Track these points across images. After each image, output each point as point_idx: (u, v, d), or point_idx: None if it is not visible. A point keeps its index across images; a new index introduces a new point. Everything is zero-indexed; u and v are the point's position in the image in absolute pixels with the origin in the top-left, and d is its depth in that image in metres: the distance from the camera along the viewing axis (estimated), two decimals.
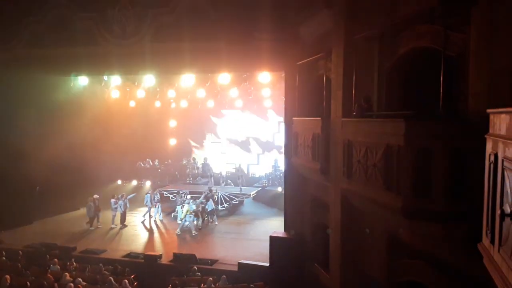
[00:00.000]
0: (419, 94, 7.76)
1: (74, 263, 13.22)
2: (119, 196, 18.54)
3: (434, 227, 6.56)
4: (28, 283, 11.43)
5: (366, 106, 8.20)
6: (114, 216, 18.21)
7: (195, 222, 17.29)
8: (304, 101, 12.21)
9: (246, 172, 22.45)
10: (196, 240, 16.56)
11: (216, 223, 18.25)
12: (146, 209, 19.18)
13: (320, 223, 11.62)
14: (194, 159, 24.18)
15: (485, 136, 4.71)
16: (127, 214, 18.58)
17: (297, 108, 12.11)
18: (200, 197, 18.70)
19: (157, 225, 18.56)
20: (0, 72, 16.22)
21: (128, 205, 18.66)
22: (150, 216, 19.05)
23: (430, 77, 7.33)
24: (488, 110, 4.64)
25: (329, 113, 9.88)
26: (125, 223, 18.35)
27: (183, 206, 17.90)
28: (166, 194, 20.55)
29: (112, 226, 18.01)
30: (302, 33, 11.85)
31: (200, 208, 17.80)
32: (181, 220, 17.45)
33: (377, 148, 6.97)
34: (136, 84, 19.26)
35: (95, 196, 18.45)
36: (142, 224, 18.60)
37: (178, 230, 17.15)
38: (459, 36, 6.13)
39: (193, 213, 17.26)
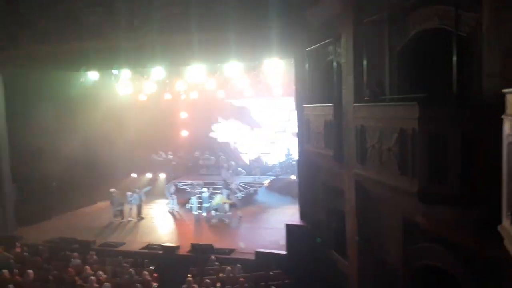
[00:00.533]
0: (432, 76, 7.63)
1: (94, 257, 13.44)
2: (135, 189, 18.76)
3: (449, 211, 6.49)
4: (51, 278, 11.67)
5: (378, 91, 8.11)
6: (130, 209, 18.42)
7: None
8: (315, 88, 12.13)
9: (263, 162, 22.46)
10: (213, 230, 16.71)
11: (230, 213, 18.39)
12: (165, 200, 19.46)
13: (335, 209, 11.61)
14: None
15: (502, 116, 4.61)
16: (143, 207, 18.79)
17: (308, 95, 12.03)
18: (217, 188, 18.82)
19: (173, 216, 18.73)
20: (13, 69, 16.40)
21: (143, 198, 18.86)
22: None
23: (442, 58, 7.20)
24: (504, 90, 4.54)
25: (341, 99, 9.80)
26: (141, 215, 18.57)
27: (211, 195, 18.21)
28: (180, 186, 20.69)
29: (129, 219, 18.24)
30: (309, 18, 11.70)
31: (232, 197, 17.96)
32: (215, 210, 17.62)
33: (391, 132, 6.89)
34: (145, 77, 19.29)
35: (112, 189, 18.68)
36: (159, 216, 18.80)
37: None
38: (471, 15, 5.98)
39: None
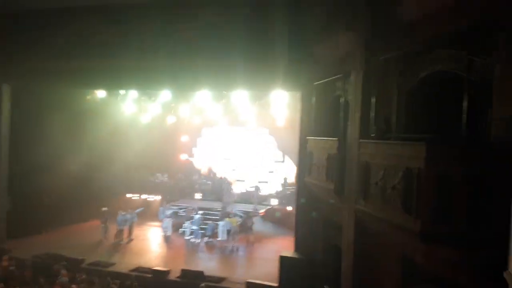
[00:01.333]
0: (440, 118, 7.73)
1: (83, 276, 13.15)
2: (128, 210, 18.58)
3: (453, 253, 6.45)
4: None
5: (385, 128, 8.18)
6: (121, 230, 18.17)
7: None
8: (320, 121, 12.24)
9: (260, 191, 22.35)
10: (204, 257, 16.46)
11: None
12: (159, 223, 19.30)
13: (332, 244, 11.50)
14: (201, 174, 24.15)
15: None
16: (134, 228, 18.55)
17: (312, 128, 12.12)
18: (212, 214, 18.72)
19: (166, 240, 18.46)
20: (21, 83, 16.50)
21: (136, 219, 18.65)
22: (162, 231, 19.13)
23: (451, 100, 7.33)
24: None
25: (346, 134, 9.88)
26: (131, 237, 18.30)
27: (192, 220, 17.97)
28: (175, 209, 20.50)
29: (119, 241, 17.96)
30: (320, 54, 11.93)
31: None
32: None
33: (396, 170, 6.92)
34: (152, 99, 19.43)
35: (104, 208, 18.48)
36: (151, 238, 18.55)
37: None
38: (484, 62, 6.13)
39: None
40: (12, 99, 16.77)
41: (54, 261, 14.27)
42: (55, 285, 12.31)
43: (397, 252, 8.10)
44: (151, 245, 17.78)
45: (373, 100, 8.66)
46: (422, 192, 6.33)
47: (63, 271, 13.10)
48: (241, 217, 18.99)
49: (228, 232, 17.39)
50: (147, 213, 20.35)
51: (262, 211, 20.51)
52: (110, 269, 14.40)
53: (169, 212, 19.23)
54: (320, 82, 11.69)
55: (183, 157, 24.26)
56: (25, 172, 17.08)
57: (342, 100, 10.28)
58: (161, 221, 19.33)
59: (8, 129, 16.70)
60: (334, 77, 10.90)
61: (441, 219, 6.19)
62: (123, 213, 18.33)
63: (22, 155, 17.11)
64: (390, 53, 8.32)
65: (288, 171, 22.84)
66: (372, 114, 8.70)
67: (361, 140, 8.69)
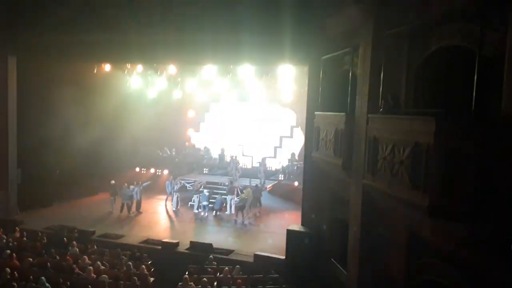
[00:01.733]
0: (449, 93, 7.66)
1: (94, 247, 13.44)
2: (135, 183, 18.82)
3: (459, 227, 6.52)
4: (49, 264, 11.67)
5: (393, 103, 8.12)
6: (125, 203, 18.45)
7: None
8: (327, 96, 12.16)
9: (267, 166, 22.45)
10: (212, 230, 16.72)
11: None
12: (165, 196, 19.54)
13: (338, 218, 11.62)
14: (207, 148, 24.23)
15: None
16: (141, 202, 18.82)
17: (320, 103, 12.06)
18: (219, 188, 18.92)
19: (174, 213, 18.73)
20: (28, 56, 16.48)
21: (142, 192, 18.90)
22: (166, 205, 19.37)
23: (462, 75, 7.24)
24: None
25: (354, 108, 9.83)
26: (140, 210, 18.58)
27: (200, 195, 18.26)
28: (183, 184, 20.73)
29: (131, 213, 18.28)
30: (328, 27, 11.76)
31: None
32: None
33: (405, 145, 6.92)
34: (158, 73, 19.37)
35: (112, 182, 18.72)
36: (159, 212, 18.82)
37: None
38: (496, 36, 6.02)
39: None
40: (19, 73, 16.76)
41: (65, 232, 14.57)
42: (67, 256, 12.60)
43: (404, 227, 8.17)
44: (159, 218, 18.08)
45: (381, 74, 8.56)
46: (431, 167, 6.33)
47: (74, 242, 13.40)
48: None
49: (242, 206, 17.52)
50: (155, 187, 20.56)
51: (269, 186, 20.66)
52: (120, 241, 14.70)
53: (176, 186, 19.41)
54: (328, 56, 11.55)
55: (190, 132, 24.30)
56: (34, 145, 17.26)
57: (350, 74, 10.18)
58: (169, 194, 19.54)
59: (16, 102, 16.76)
60: (342, 51, 10.76)
61: (448, 194, 6.22)
62: (130, 186, 18.54)
63: (30, 128, 17.30)
64: (399, 27, 8.18)
65: (296, 146, 22.89)
66: (381, 88, 8.62)
67: (369, 115, 8.64)
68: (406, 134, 6.99)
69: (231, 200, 18.58)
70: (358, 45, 9.70)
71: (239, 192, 18.63)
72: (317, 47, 12.36)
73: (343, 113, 10.08)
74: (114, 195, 18.60)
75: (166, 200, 19.63)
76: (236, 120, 24.57)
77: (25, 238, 14.12)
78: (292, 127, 23.44)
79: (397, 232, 8.50)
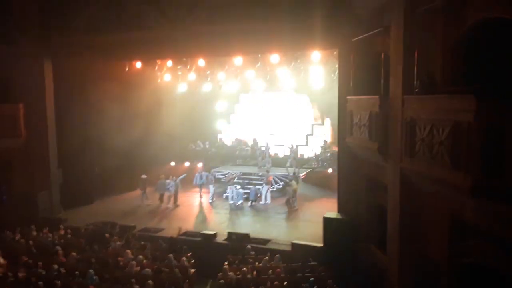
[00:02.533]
0: (488, 69, 7.35)
1: (138, 241, 13.75)
2: (170, 177, 19.17)
3: (504, 207, 6.28)
4: (93, 259, 12.04)
5: (430, 83, 7.88)
6: (162, 194, 18.88)
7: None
8: (359, 80, 11.93)
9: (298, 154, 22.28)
10: (248, 220, 16.81)
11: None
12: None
13: (376, 204, 11.43)
14: (255, 141, 24.23)
15: None
16: (178, 195, 19.13)
17: (352, 86, 11.84)
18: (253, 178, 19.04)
19: (210, 205, 18.94)
20: (62, 56, 16.93)
21: (180, 185, 19.22)
22: (201, 197, 19.64)
23: (501, 50, 6.94)
24: None
25: (387, 91, 9.59)
26: (177, 203, 18.91)
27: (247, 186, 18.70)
28: (217, 176, 20.93)
29: (168, 206, 18.63)
30: (357, 8, 11.49)
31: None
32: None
33: (444, 125, 6.72)
34: (188, 67, 19.52)
35: (143, 176, 19.17)
36: (195, 204, 19.06)
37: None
38: None
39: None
40: (55, 74, 17.23)
41: (107, 228, 14.98)
42: (109, 250, 12.97)
43: (445, 210, 7.95)
44: (196, 211, 18.28)
45: (415, 53, 8.31)
46: (472, 146, 6.14)
47: (116, 238, 13.77)
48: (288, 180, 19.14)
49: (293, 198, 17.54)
50: (191, 180, 20.79)
51: (302, 174, 20.54)
52: (160, 234, 14.98)
53: (211, 178, 19.58)
54: (359, 38, 11.29)
55: (220, 124, 24.43)
56: (73, 145, 17.78)
57: (382, 55, 9.93)
58: (197, 186, 19.80)
59: (53, 104, 17.27)
60: (373, 32, 10.50)
61: (492, 173, 6.02)
62: (166, 179, 18.90)
63: (68, 129, 17.80)
64: (432, 3, 7.89)
65: (328, 133, 22.62)
66: (415, 68, 8.37)
67: (404, 96, 8.42)
68: (444, 113, 6.80)
69: (266, 190, 18.61)
70: (389, 25, 9.43)
71: (273, 182, 18.60)
72: (346, 29, 12.11)
73: (377, 96, 9.86)
74: (144, 189, 19.00)
75: (200, 192, 19.82)
76: (266, 110, 24.47)
77: (69, 235, 14.61)
78: (323, 114, 23.16)
79: (438, 215, 8.29)
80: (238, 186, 18.81)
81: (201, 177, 19.74)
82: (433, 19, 8.13)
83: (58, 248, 12.84)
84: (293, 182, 17.86)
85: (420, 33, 8.27)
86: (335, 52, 13.94)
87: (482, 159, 6.05)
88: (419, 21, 8.28)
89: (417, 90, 8.05)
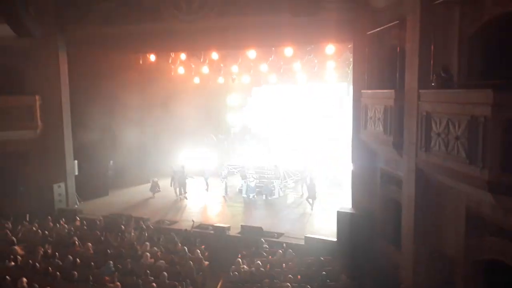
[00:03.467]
0: (505, 63, 7.22)
1: (153, 233, 13.89)
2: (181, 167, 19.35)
3: None
4: (109, 251, 12.20)
5: (446, 77, 7.77)
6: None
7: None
8: (374, 73, 11.82)
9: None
10: (261, 213, 16.84)
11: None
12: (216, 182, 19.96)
13: (390, 198, 11.36)
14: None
15: None
16: (187, 185, 19.23)
17: (367, 80, 11.74)
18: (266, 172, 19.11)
19: (224, 198, 19.02)
20: (77, 49, 17.07)
21: (187, 176, 19.41)
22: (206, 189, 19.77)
23: None
24: None
25: (403, 84, 9.49)
26: (186, 194, 19.07)
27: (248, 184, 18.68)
28: (230, 169, 21.01)
29: (181, 196, 18.88)
30: (372, 1, 11.35)
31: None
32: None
33: (460, 119, 6.64)
34: (201, 60, 19.51)
35: (154, 179, 19.38)
36: (209, 197, 19.14)
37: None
38: None
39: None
40: (70, 67, 17.38)
41: (123, 220, 15.15)
42: (124, 242, 13.12)
43: (461, 205, 7.88)
44: (210, 204, 18.37)
45: (431, 47, 8.20)
46: (489, 140, 6.06)
47: (131, 229, 13.93)
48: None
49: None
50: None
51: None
52: (174, 226, 15.11)
53: (224, 172, 19.60)
54: (374, 31, 11.17)
55: (233, 117, 24.46)
56: (88, 137, 17.96)
57: (398, 49, 9.81)
58: (206, 179, 19.83)
59: (68, 96, 17.44)
60: (389, 25, 10.37)
61: (509, 168, 5.93)
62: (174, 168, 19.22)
63: (84, 121, 17.90)
64: None
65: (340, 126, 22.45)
66: (431, 62, 8.26)
67: (420, 90, 8.32)
68: (461, 107, 6.71)
69: (279, 184, 18.62)
70: (405, 18, 9.31)
71: (285, 175, 18.61)
72: (361, 22, 11.98)
73: (393, 90, 9.76)
74: (154, 192, 19.19)
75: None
76: (279, 103, 24.38)
77: (85, 227, 14.82)
78: (336, 108, 22.97)
79: (454, 210, 8.22)
80: (251, 180, 18.85)
81: (207, 171, 19.72)
82: (449, 12, 8.00)
83: (75, 239, 13.03)
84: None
85: (437, 26, 8.15)
86: (350, 46, 13.76)
87: (499, 153, 5.97)
88: (435, 14, 8.15)
89: (433, 84, 7.95)
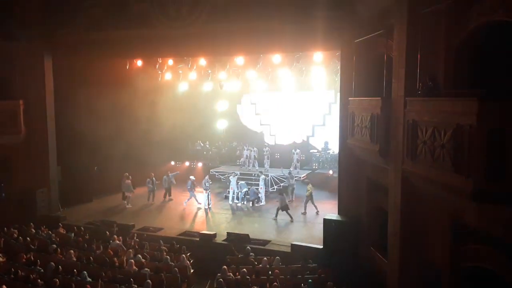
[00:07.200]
0: (491, 73, 7.31)
1: (135, 239, 13.70)
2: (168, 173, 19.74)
3: (506, 212, 6.23)
4: (91, 258, 11.98)
5: (432, 85, 7.83)
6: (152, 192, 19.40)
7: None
8: (361, 81, 11.87)
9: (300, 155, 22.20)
10: (248, 220, 16.74)
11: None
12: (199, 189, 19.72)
13: (377, 206, 11.38)
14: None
15: None
16: (171, 190, 19.81)
17: (354, 88, 11.79)
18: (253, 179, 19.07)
19: (208, 207, 18.79)
20: (62, 54, 16.87)
21: (173, 181, 19.81)
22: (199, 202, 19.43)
23: (504, 53, 6.89)
24: None
25: (390, 92, 9.54)
26: (171, 197, 19.57)
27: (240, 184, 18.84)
28: (217, 176, 20.87)
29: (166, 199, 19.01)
30: (360, 10, 11.43)
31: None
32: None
33: (446, 128, 6.68)
34: (189, 66, 19.46)
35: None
36: (195, 204, 18.91)
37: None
38: None
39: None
40: (54, 72, 17.17)
41: (106, 227, 14.93)
42: (108, 249, 12.91)
43: (446, 213, 7.91)
44: (196, 211, 18.20)
45: (418, 55, 8.27)
46: (474, 149, 6.10)
47: (115, 236, 13.71)
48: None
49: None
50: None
51: (303, 175, 20.48)
52: (159, 233, 14.92)
53: (207, 183, 18.55)
54: (361, 39, 11.24)
55: (221, 124, 24.38)
56: (72, 143, 17.74)
57: (385, 57, 9.88)
58: (188, 190, 19.06)
59: (53, 101, 17.20)
60: (376, 33, 10.44)
61: (493, 177, 5.97)
62: (165, 176, 19.52)
63: (68, 127, 17.67)
64: (436, 4, 7.84)
65: (329, 134, 22.55)
66: (418, 70, 8.33)
67: (407, 98, 8.37)
68: (447, 116, 6.75)
69: (263, 190, 18.63)
70: (392, 26, 9.38)
71: (268, 183, 18.68)
72: (349, 30, 12.06)
73: (379, 98, 9.81)
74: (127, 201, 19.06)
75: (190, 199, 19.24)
76: (267, 110, 24.39)
77: (68, 234, 14.54)
78: (324, 115, 23.07)
79: (439, 218, 8.24)
80: (238, 187, 18.76)
81: (192, 183, 19.10)
82: (436, 21, 8.07)
83: (55, 246, 12.76)
84: (309, 186, 17.66)
85: (423, 35, 8.21)
86: (337, 53, 13.84)
87: (483, 163, 6.01)
88: (422, 23, 8.22)
89: (419, 92, 8.01)
